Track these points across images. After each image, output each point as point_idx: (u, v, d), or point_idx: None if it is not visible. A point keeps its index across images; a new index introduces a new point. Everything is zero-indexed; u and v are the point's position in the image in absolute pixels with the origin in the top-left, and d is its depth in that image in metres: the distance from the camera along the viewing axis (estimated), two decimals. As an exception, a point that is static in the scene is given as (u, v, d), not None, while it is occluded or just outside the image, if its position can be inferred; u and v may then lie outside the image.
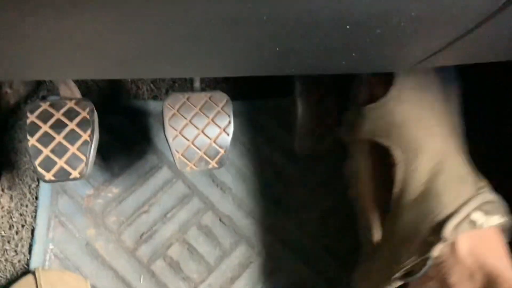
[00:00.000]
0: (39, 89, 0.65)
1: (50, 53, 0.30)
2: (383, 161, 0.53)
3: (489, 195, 0.45)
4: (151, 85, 0.68)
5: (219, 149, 0.53)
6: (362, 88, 0.57)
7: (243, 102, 0.67)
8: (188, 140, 0.53)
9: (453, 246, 0.44)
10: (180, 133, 0.53)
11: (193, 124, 0.53)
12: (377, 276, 0.51)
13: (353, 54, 0.31)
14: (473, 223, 0.44)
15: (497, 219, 0.45)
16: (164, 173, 0.65)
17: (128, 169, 0.65)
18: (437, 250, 0.44)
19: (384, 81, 0.54)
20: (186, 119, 0.53)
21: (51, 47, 0.29)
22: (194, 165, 0.53)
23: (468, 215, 0.44)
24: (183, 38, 0.26)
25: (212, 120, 0.53)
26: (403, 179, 0.49)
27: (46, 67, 0.34)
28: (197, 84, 0.56)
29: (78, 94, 0.54)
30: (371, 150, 0.56)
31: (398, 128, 0.50)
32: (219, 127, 0.53)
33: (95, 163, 0.52)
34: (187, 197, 0.65)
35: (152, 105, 0.67)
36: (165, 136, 0.52)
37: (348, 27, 0.26)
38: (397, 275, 0.47)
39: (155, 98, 0.68)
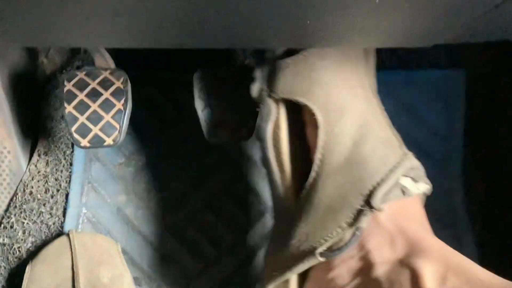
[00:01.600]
0: (74, 59, 0.67)
1: (91, 18, 0.31)
2: (299, 124, 0.48)
3: (414, 161, 0.43)
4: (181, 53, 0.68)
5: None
6: None
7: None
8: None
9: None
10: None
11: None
12: (295, 251, 0.45)
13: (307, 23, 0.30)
14: (403, 190, 0.41)
15: (424, 186, 0.43)
16: (195, 142, 0.66)
17: (157, 138, 0.66)
18: (367, 220, 0.41)
19: None
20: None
21: (93, 11, 0.30)
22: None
23: (397, 182, 0.41)
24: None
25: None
26: (326, 144, 0.44)
27: (87, 33, 0.35)
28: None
29: (112, 64, 0.55)
30: (286, 111, 0.49)
31: (318, 85, 0.45)
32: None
33: (126, 132, 0.54)
34: (217, 166, 0.66)
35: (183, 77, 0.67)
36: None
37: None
38: (321, 248, 0.42)
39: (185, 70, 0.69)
